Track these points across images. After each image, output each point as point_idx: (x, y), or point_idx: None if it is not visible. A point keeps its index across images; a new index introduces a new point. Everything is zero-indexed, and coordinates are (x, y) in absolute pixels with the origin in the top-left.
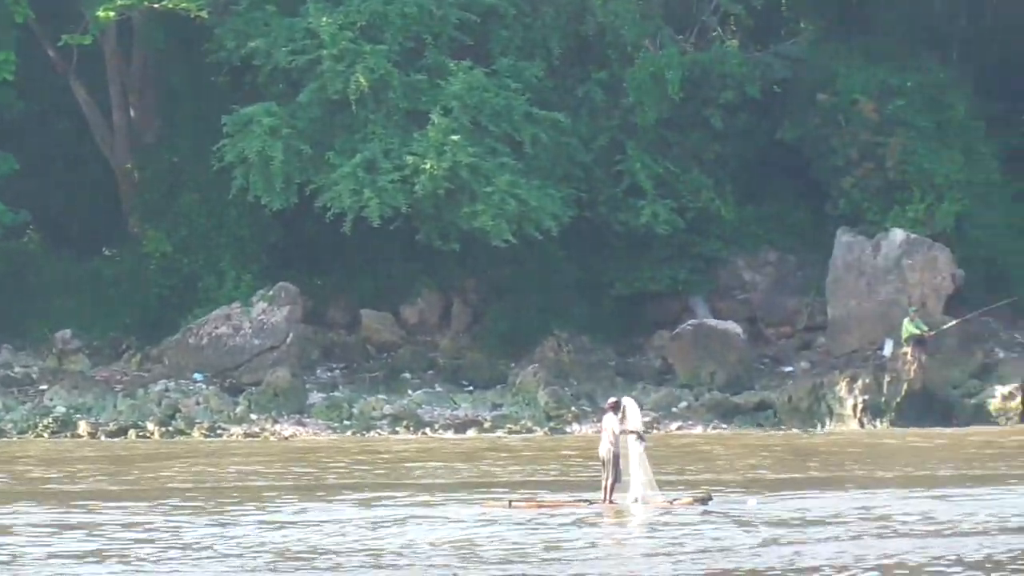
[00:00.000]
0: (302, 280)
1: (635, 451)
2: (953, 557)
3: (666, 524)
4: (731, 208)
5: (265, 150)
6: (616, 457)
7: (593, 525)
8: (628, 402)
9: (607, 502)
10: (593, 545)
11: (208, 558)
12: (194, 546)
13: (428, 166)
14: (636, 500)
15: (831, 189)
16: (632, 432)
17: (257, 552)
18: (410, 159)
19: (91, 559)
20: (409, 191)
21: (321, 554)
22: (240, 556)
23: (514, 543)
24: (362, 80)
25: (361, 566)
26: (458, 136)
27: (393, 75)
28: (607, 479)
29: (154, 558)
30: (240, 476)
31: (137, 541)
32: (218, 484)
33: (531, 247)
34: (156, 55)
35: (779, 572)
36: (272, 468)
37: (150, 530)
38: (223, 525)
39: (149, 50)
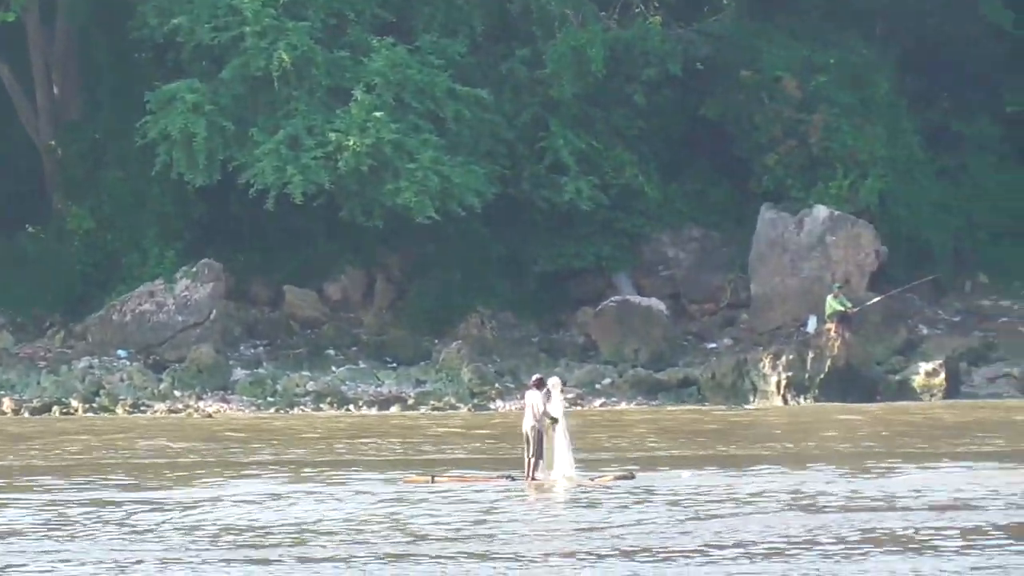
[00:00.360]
0: (225, 257)
1: (560, 429)
2: (879, 532)
3: (593, 501)
4: (655, 185)
5: (188, 127)
6: (539, 434)
7: (519, 501)
8: (554, 384)
9: (530, 479)
10: (519, 521)
11: (132, 535)
12: (118, 523)
13: (351, 143)
14: (560, 478)
15: (754, 166)
16: (551, 418)
17: (181, 529)
18: (333, 136)
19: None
20: (332, 168)
21: (245, 531)
22: (161, 533)
23: (441, 520)
24: (285, 57)
25: (291, 543)
26: (381, 113)
27: (316, 52)
28: (530, 456)
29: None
30: (161, 452)
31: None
32: (142, 460)
33: (454, 224)
34: (79, 32)
35: (707, 547)
36: (194, 445)
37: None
38: (152, 503)
39: (72, 27)
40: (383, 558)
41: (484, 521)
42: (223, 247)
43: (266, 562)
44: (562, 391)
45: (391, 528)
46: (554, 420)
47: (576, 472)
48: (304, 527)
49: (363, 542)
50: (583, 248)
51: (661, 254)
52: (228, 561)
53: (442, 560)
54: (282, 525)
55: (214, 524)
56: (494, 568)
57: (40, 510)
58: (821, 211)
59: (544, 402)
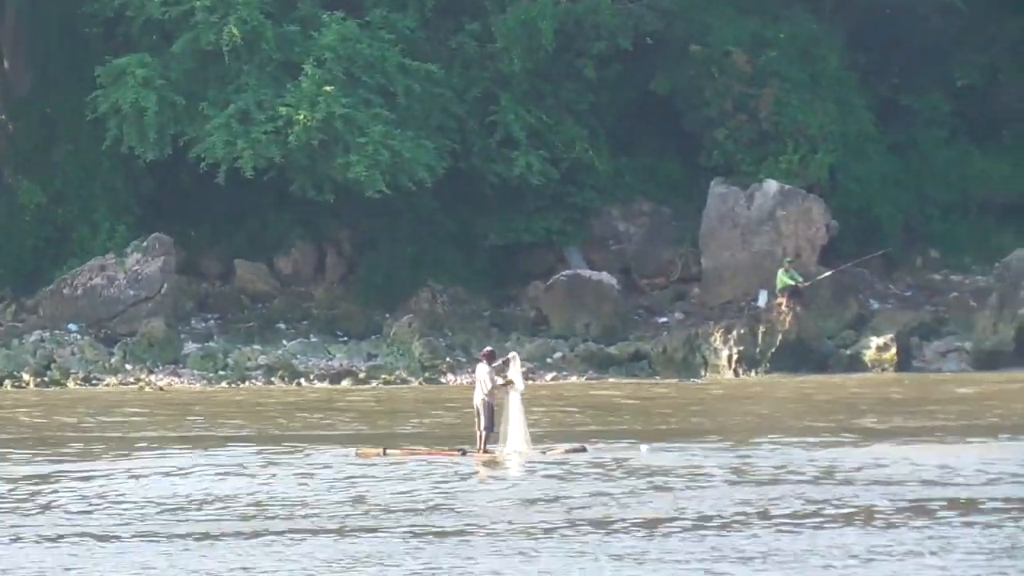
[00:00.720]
0: (176, 231)
1: (514, 402)
2: (833, 505)
3: (548, 474)
4: (605, 159)
5: (138, 101)
6: (490, 407)
7: (472, 474)
8: (513, 356)
9: (481, 451)
10: (474, 492)
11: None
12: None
13: (301, 117)
14: (512, 451)
15: (704, 140)
16: (508, 382)
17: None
18: (283, 110)
19: None
20: (283, 142)
21: (198, 504)
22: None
23: (398, 492)
24: (235, 31)
25: (239, 518)
26: (331, 87)
27: (266, 26)
28: (481, 429)
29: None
30: (117, 426)
31: None
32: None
33: (405, 198)
34: (29, 7)
35: (665, 518)
36: (153, 419)
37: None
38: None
39: (22, 2)
40: (336, 532)
41: (437, 494)
42: (174, 221)
43: (215, 537)
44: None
45: (346, 502)
46: (509, 383)
47: (529, 446)
48: (258, 501)
49: (316, 515)
50: (534, 222)
51: (612, 228)
52: (171, 537)
53: (395, 534)
54: (232, 498)
55: (172, 496)
56: (448, 542)
57: None
58: (772, 185)
59: (493, 376)
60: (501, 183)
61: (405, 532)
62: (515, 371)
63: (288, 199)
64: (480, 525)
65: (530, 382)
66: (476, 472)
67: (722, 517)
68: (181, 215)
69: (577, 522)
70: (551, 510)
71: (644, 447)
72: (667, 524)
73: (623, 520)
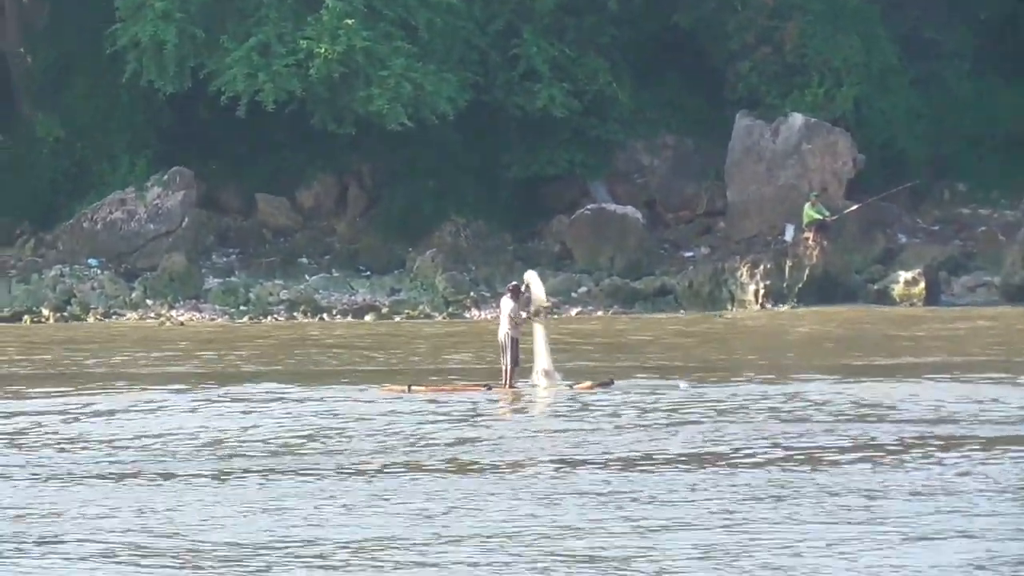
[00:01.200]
0: (197, 165)
1: (539, 333)
2: (868, 440)
3: (580, 407)
4: (628, 92)
5: (158, 34)
6: (515, 341)
7: (498, 410)
8: (531, 276)
9: (508, 387)
10: (500, 430)
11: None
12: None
13: (322, 50)
14: (539, 378)
15: (728, 74)
16: (539, 311)
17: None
18: (304, 43)
19: None
20: (303, 75)
21: (221, 441)
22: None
23: (421, 431)
24: None
25: (265, 455)
26: (352, 20)
27: None
28: (506, 364)
29: None
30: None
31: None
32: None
33: (427, 131)
34: None
35: (693, 453)
36: (166, 354)
37: None
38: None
39: None
40: (361, 472)
41: (464, 431)
42: (194, 155)
43: (242, 473)
44: (548, 303)
45: (369, 438)
46: (539, 312)
47: (556, 375)
48: (279, 437)
49: (339, 451)
50: (557, 155)
51: (636, 162)
52: (197, 474)
53: (423, 470)
54: (252, 437)
55: (185, 432)
56: (478, 478)
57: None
58: (797, 119)
59: (518, 311)
60: (524, 116)
61: (429, 470)
62: (537, 288)
63: (309, 132)
64: (504, 462)
65: (554, 317)
66: (506, 407)
67: (753, 453)
68: (201, 149)
69: (607, 458)
70: (588, 441)
71: (682, 383)
72: (694, 459)
73: (650, 454)
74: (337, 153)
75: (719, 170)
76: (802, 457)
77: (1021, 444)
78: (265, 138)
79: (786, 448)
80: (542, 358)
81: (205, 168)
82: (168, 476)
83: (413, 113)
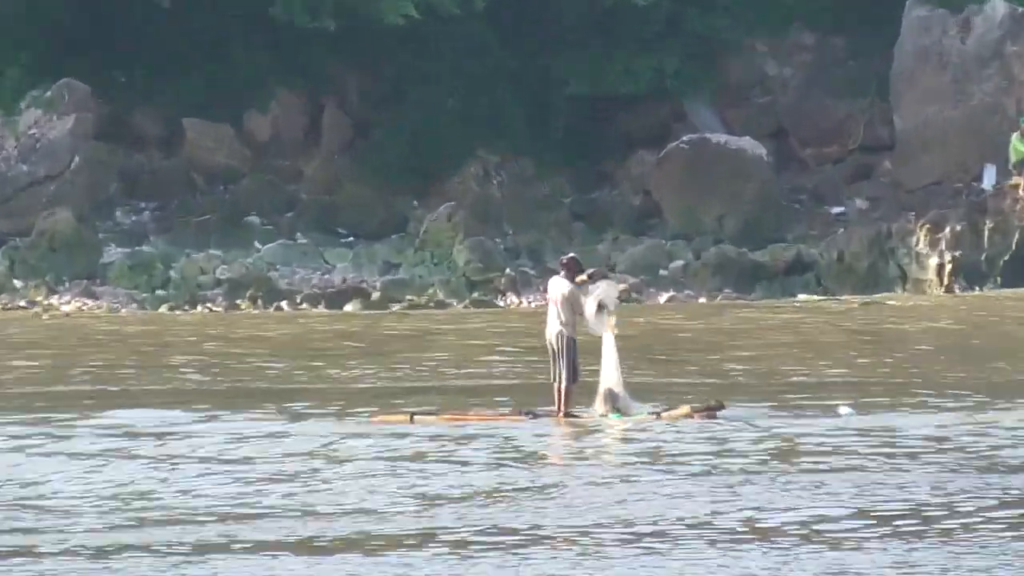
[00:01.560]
0: (97, 75)
1: (607, 341)
2: None
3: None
4: None
5: None
6: (572, 343)
7: (556, 450)
8: (605, 289)
9: (561, 414)
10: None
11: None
12: None
13: None
14: (606, 414)
15: None
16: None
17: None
18: None
19: None
20: None
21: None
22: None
23: (444, 477)
24: None
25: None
26: None
27: None
28: (560, 378)
29: None
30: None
31: None
32: None
33: (444, 27)
34: None
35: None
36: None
37: None
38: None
39: None
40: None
41: (502, 487)
42: (93, 61)
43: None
44: (618, 296)
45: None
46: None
47: (628, 399)
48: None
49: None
50: (637, 62)
51: (757, 71)
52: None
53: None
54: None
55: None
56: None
57: None
58: (998, 7)
59: (578, 296)
60: (587, 4)
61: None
62: (607, 291)
63: (267, 28)
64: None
65: (633, 304)
66: (559, 441)
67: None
68: (105, 52)
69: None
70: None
71: (844, 408)
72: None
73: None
74: (309, 59)
75: (882, 84)
76: None
77: None
78: (200, 35)
79: None
80: (610, 372)
81: (109, 80)
82: None
83: (422, 0)
